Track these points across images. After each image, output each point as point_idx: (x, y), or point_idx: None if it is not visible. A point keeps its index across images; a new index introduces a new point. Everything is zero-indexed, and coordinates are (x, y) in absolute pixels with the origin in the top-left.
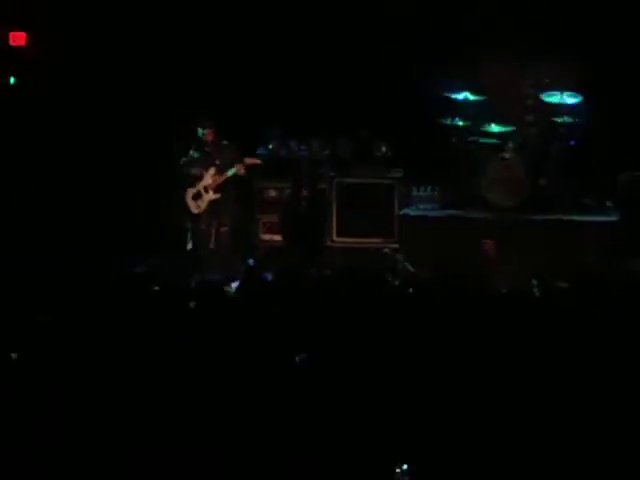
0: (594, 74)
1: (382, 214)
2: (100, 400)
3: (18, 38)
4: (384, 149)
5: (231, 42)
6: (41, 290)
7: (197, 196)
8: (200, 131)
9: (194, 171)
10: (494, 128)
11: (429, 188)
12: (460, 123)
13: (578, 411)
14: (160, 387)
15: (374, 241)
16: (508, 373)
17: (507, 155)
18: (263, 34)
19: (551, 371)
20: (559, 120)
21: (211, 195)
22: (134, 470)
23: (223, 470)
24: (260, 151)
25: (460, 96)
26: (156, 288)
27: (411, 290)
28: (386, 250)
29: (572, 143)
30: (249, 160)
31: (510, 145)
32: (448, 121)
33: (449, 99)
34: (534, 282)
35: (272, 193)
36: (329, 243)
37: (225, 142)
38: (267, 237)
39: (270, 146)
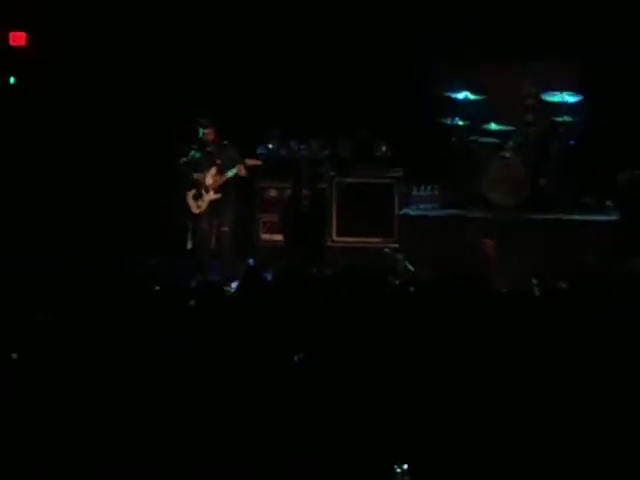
0: (594, 74)
1: (382, 214)
2: (100, 400)
3: (18, 38)
4: (384, 149)
5: (231, 42)
6: (41, 290)
7: (198, 196)
8: (201, 131)
9: (194, 171)
10: (494, 127)
11: (429, 188)
12: (460, 122)
13: (578, 410)
14: (160, 387)
15: (374, 241)
16: (508, 373)
17: (507, 154)
18: (263, 34)
19: (551, 371)
20: (559, 119)
21: (212, 195)
22: (134, 470)
23: (223, 469)
24: (260, 151)
25: (460, 95)
26: (157, 288)
27: (412, 289)
28: (386, 250)
29: (572, 142)
30: (250, 161)
31: (510, 144)
32: (448, 120)
33: (449, 99)
34: (534, 281)
35: (272, 193)
36: (329, 243)
37: (226, 142)
38: (267, 237)
39: (270, 146)
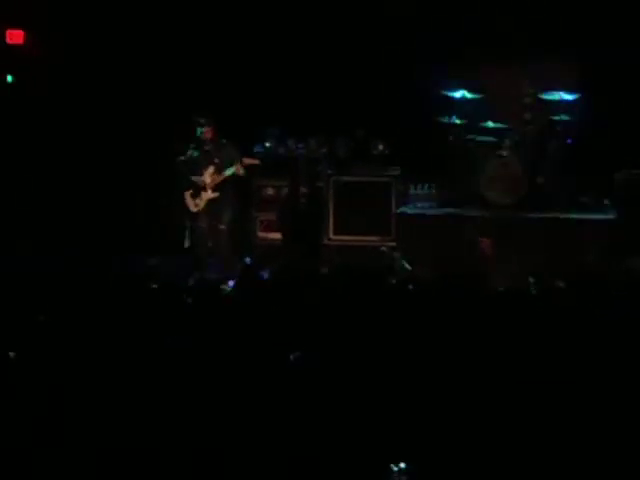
0: (592, 73)
1: (379, 212)
2: (100, 399)
3: (15, 36)
4: (381, 147)
5: (229, 41)
6: (41, 290)
7: (196, 194)
8: (199, 130)
9: (192, 170)
10: (491, 126)
11: (426, 186)
12: (457, 121)
13: (576, 409)
14: (159, 386)
15: (371, 239)
16: (505, 371)
17: (504, 153)
18: (261, 33)
19: (548, 369)
20: (556, 118)
21: (210, 194)
22: (133, 469)
23: (221, 468)
24: (257, 149)
25: (457, 94)
26: (154, 286)
27: (410, 287)
28: (383, 248)
29: (569, 141)
30: (248, 160)
31: (507, 143)
32: (445, 119)
33: (446, 97)
34: (531, 280)
35: (270, 191)
36: (326, 241)
37: (224, 141)
38: (264, 235)
39: (268, 144)
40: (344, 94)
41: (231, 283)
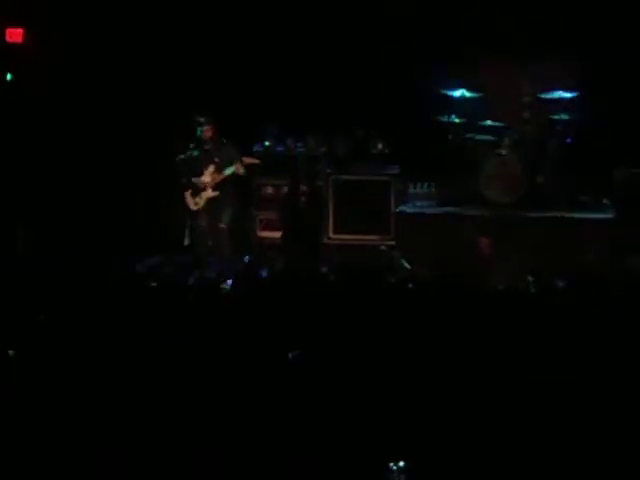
0: (592, 73)
1: (379, 211)
2: (100, 399)
3: (15, 35)
4: (381, 146)
5: (229, 40)
6: (41, 290)
7: (195, 193)
8: (198, 129)
9: (191, 170)
10: (490, 124)
11: (426, 185)
12: (457, 120)
13: (576, 408)
14: (158, 385)
15: (371, 238)
16: (505, 370)
17: (504, 151)
18: (261, 32)
19: (547, 367)
20: (556, 117)
21: (209, 192)
22: (132, 468)
23: (221, 467)
24: (257, 148)
25: (457, 93)
26: (153, 284)
27: (410, 286)
28: (383, 247)
29: (569, 140)
30: (248, 159)
31: (506, 142)
32: (445, 118)
33: (446, 96)
34: (530, 279)
35: (269, 190)
36: (326, 240)
37: (224, 140)
38: (264, 234)
39: (267, 143)
40: (343, 93)
41: (230, 282)
